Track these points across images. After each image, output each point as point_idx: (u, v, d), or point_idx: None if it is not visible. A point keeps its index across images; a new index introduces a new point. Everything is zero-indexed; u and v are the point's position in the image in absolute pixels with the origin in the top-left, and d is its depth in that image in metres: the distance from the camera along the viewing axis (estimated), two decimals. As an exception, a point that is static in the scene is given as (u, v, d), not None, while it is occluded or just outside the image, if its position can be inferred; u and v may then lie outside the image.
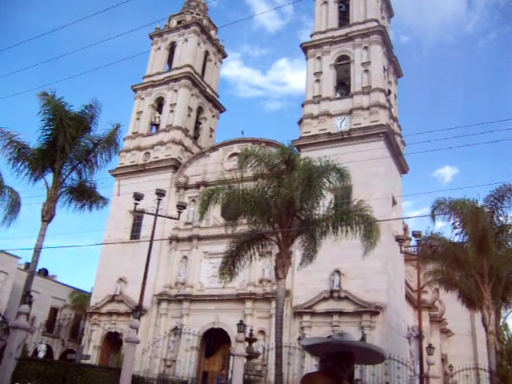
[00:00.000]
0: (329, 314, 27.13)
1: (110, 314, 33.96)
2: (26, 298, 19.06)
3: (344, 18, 36.76)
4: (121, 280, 34.36)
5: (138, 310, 20.43)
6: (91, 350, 32.49)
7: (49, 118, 22.45)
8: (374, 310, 26.11)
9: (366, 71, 32.82)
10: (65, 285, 46.80)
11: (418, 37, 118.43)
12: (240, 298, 30.25)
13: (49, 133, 22.63)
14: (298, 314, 27.99)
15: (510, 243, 24.17)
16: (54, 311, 44.18)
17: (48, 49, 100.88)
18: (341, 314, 26.91)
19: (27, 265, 37.10)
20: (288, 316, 27.34)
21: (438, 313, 40.83)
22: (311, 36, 36.28)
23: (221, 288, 29.66)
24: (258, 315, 29.67)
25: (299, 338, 26.45)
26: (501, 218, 23.57)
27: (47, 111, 22.38)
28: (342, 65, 34.54)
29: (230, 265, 20.80)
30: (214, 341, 30.19)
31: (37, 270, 25.02)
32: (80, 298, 43.73)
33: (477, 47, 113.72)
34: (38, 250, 21.46)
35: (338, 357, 3.74)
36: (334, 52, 34.70)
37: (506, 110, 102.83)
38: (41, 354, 32.51)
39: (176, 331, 30.84)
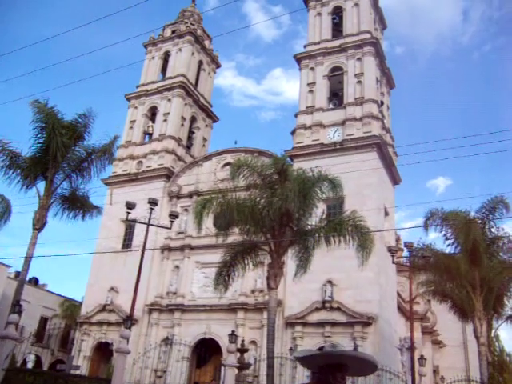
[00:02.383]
0: (321, 324, 27.07)
1: (100, 323, 33.67)
2: (16, 307, 18.86)
3: (337, 29, 37.04)
4: (112, 289, 34.12)
5: (129, 320, 20.26)
6: (81, 361, 32.19)
7: (41, 126, 22.38)
8: (366, 321, 26.07)
9: (359, 82, 33.03)
10: (55, 294, 46.35)
11: (413, 48, 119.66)
12: (232, 308, 30.12)
13: (41, 141, 22.57)
14: (289, 324, 27.89)
15: (501, 254, 24.26)
16: (43, 321, 43.72)
17: (42, 56, 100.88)
18: (333, 324, 26.85)
19: (17, 273, 36.77)
20: (280, 326, 27.23)
21: (429, 324, 40.87)
22: (305, 47, 36.51)
23: (212, 298, 29.55)
24: (250, 325, 29.55)
25: (291, 349, 26.39)
26: (492, 230, 23.73)
27: (40, 119, 22.32)
28: (336, 76, 34.75)
29: (224, 275, 20.76)
30: (206, 351, 29.98)
31: (27, 278, 24.82)
32: (70, 308, 43.31)
33: (472, 59, 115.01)
34: (28, 259, 21.29)
35: (332, 368, 3.72)
36: (328, 63, 34.91)
37: (500, 121, 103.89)
38: (29, 365, 32.14)
39: (167, 341, 30.63)
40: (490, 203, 22.96)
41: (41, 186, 22.83)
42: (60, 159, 22.28)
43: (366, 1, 36.09)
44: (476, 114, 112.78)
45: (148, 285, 32.68)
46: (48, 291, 46.58)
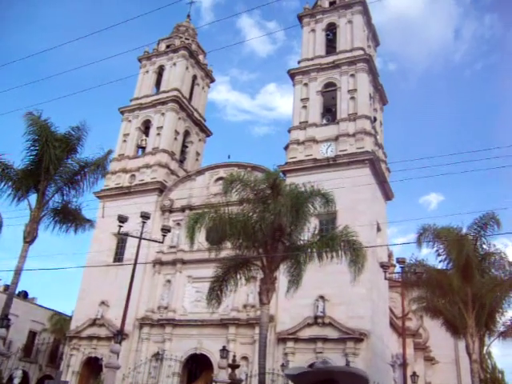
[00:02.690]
0: (313, 340, 26.90)
1: (90, 338, 33.28)
2: (4, 321, 18.62)
3: (331, 45, 37.40)
4: (103, 303, 33.80)
5: (119, 335, 20.08)
6: (70, 376, 31.76)
7: (34, 139, 22.34)
8: (358, 337, 25.93)
9: (353, 98, 33.27)
10: (45, 308, 45.84)
11: (406, 65, 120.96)
12: (223, 324, 29.90)
13: (34, 153, 22.50)
14: (281, 340, 27.70)
15: (493, 271, 24.32)
16: (32, 335, 43.17)
17: (37, 69, 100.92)
18: (325, 340, 26.69)
19: (6, 287, 36.39)
20: (271, 342, 27.04)
21: (422, 340, 40.73)
22: (299, 63, 36.79)
23: (204, 313, 29.37)
24: (242, 341, 29.31)
25: (283, 365, 26.17)
26: (484, 246, 23.78)
27: (33, 132, 22.28)
28: (329, 91, 34.99)
29: (217, 290, 20.68)
30: (197, 367, 29.70)
31: (16, 292, 24.56)
32: (60, 322, 42.79)
33: (463, 76, 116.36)
34: (18, 272, 21.09)
35: (323, 385, 3.66)
36: (321, 79, 35.18)
37: (492, 138, 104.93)
38: (16, 381, 31.54)
39: (158, 357, 30.29)
40: (481, 219, 23.06)
41: (32, 198, 22.73)
42: (52, 172, 22.21)
43: (360, 18, 36.53)
44: (468, 131, 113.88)
45: (139, 299, 32.41)
46: (37, 305, 46.07)
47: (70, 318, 38.03)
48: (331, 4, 38.66)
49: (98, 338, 32.98)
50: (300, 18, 38.47)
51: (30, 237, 21.74)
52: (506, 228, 23.59)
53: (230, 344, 28.55)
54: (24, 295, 45.54)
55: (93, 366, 32.84)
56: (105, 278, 34.38)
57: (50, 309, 45.89)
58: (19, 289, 34.23)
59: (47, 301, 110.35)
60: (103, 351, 31.48)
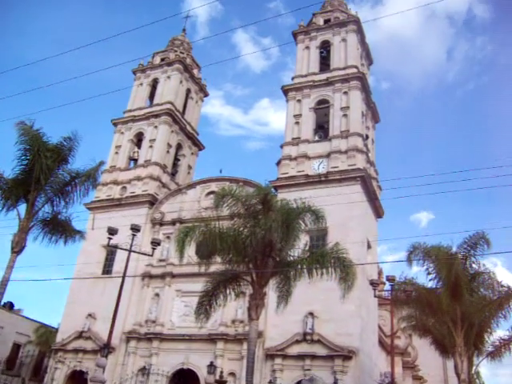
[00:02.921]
0: (301, 357, 26.68)
1: (76, 351, 32.84)
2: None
3: (325, 62, 37.75)
4: (90, 316, 33.43)
5: (105, 348, 19.83)
6: (54, 390, 31.26)
7: (25, 148, 22.21)
8: (347, 355, 25.78)
9: (345, 116, 33.49)
10: (30, 319, 45.26)
11: (400, 83, 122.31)
12: (211, 339, 29.63)
13: (25, 163, 22.35)
14: (269, 356, 27.47)
15: (482, 290, 24.34)
16: (16, 347, 42.53)
17: (31, 78, 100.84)
18: (313, 357, 26.49)
19: (-8, 297, 35.86)
20: (260, 358, 26.82)
21: (410, 359, 40.60)
22: (292, 79, 37.06)
23: (192, 327, 29.14)
24: (229, 356, 29.03)
25: (270, 382, 25.93)
26: (474, 265, 23.82)
27: (24, 141, 22.16)
28: (322, 108, 35.22)
29: (206, 305, 20.58)
30: (183, 382, 29.37)
31: (2, 303, 24.24)
32: (46, 334, 42.13)
33: (455, 96, 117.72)
34: (5, 283, 20.83)
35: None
36: (314, 96, 35.41)
37: (482, 158, 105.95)
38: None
39: (144, 371, 29.94)
40: (471, 239, 23.14)
41: (22, 208, 22.52)
42: (43, 182, 22.05)
43: (354, 37, 36.94)
44: (460, 150, 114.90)
45: (127, 312, 32.10)
46: (23, 316, 45.52)
47: (56, 330, 37.51)
48: (326, 22, 39.16)
49: (84, 351, 32.56)
50: (295, 34, 38.86)
51: (18, 247, 21.50)
52: (496, 247, 23.71)
53: (217, 359, 28.30)
54: (10, 306, 45.00)
55: (78, 379, 32.35)
56: (93, 291, 34.06)
57: (36, 321, 45.34)
58: (5, 300, 33.76)
59: (34, 312, 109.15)
60: (89, 365, 31.08)
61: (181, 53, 44.80)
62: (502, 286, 23.38)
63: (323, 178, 31.11)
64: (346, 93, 34.28)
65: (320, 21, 39.35)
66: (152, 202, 36.70)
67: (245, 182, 33.24)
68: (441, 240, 24.25)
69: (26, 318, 45.41)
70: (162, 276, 33.11)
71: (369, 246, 30.85)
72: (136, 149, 40.58)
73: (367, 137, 35.01)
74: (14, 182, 22.30)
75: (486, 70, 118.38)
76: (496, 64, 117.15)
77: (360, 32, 37.96)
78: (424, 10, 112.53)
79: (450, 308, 22.36)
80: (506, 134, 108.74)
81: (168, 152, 40.33)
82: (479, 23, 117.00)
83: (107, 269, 35.32)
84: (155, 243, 22.93)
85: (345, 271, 18.94)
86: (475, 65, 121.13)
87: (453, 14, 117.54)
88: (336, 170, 31.20)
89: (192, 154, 44.18)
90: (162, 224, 35.39)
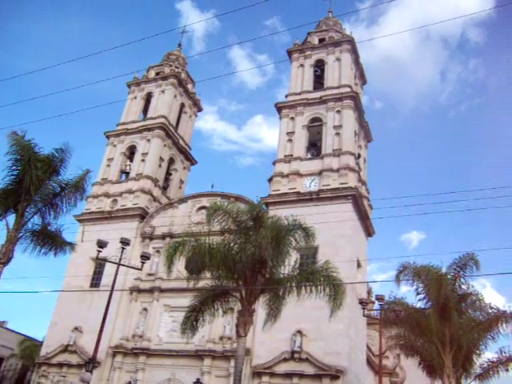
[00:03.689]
0: (288, 375, 26.43)
1: (60, 365, 32.33)
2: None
3: (319, 81, 38.05)
4: (76, 329, 33.00)
5: (91, 362, 19.58)
6: (37, 404, 30.73)
7: (16, 159, 22.07)
8: (335, 374, 25.57)
9: (338, 134, 33.67)
10: (15, 332, 44.55)
11: (393, 103, 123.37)
12: (198, 355, 29.31)
13: (15, 173, 22.19)
14: (257, 374, 27.19)
15: (470, 312, 24.36)
16: (-1, 360, 41.82)
17: (24, 89, 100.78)
18: (301, 376, 26.24)
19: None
20: (247, 376, 26.56)
21: (398, 379, 40.32)
22: (286, 97, 37.28)
23: (179, 343, 28.82)
24: (216, 373, 28.70)
25: (257, 400, 25.66)
26: (463, 286, 23.86)
27: (15, 151, 22.05)
28: (315, 126, 35.41)
29: (192, 320, 20.38)
30: (169, 399, 28.96)
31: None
32: (30, 347, 41.48)
33: (448, 117, 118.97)
34: (-10, 294, 20.57)
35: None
36: (308, 114, 35.62)
37: (474, 179, 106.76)
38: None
39: (129, 387, 29.51)
40: (461, 260, 23.21)
41: (11, 218, 22.31)
42: (33, 192, 21.88)
43: (348, 56, 37.31)
44: (450, 171, 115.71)
45: (114, 326, 31.74)
46: (7, 329, 44.76)
47: (41, 343, 36.95)
48: (320, 41, 39.57)
49: (69, 366, 32.07)
50: (289, 52, 39.20)
51: (5, 258, 21.25)
52: (485, 269, 23.78)
53: (204, 376, 28.01)
54: (-6, 318, 44.32)
55: (62, 394, 31.83)
56: (80, 304, 33.69)
57: (20, 333, 44.62)
58: (-10, 311, 33.28)
59: (19, 325, 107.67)
60: (73, 379, 30.61)
61: (176, 67, 45.01)
62: (491, 307, 23.43)
63: (314, 196, 31.16)
64: (339, 111, 34.51)
65: (315, 40, 39.76)
66: (143, 215, 36.53)
67: (236, 197, 33.23)
68: (431, 260, 24.35)
69: (11, 330, 44.71)
70: (151, 290, 32.82)
71: (359, 265, 30.81)
72: (128, 162, 40.50)
73: (359, 156, 35.19)
74: (4, 191, 22.10)
75: (477, 93, 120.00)
76: (487, 87, 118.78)
77: (354, 52, 38.37)
78: (419, 32, 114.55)
79: (439, 329, 22.35)
80: (495, 157, 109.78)
81: (160, 166, 40.28)
82: (472, 46, 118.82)
83: (95, 282, 34.98)
84: (145, 257, 22.82)
85: (334, 290, 18.88)
86: (467, 87, 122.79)
87: (447, 36, 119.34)
88: (328, 187, 31.28)
89: (184, 168, 44.16)
90: (152, 238, 35.19)
